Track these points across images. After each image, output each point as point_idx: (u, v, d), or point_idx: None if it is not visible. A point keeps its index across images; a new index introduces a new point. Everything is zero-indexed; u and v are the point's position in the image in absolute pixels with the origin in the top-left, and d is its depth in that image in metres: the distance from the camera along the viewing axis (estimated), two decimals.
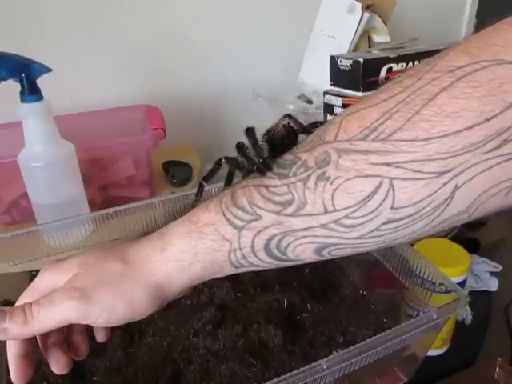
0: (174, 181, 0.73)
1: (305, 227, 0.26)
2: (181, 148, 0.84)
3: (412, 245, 0.48)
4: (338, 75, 0.71)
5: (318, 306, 0.50)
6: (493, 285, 0.64)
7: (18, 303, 0.30)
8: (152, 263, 0.29)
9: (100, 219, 0.52)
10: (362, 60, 0.66)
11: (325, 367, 0.32)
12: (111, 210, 0.52)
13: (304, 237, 0.26)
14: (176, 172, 0.75)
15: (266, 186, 0.27)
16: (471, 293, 0.61)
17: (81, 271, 0.29)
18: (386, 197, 0.23)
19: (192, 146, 0.85)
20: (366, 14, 0.77)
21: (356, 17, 0.77)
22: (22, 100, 0.53)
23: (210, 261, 0.28)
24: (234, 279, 0.52)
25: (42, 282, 0.30)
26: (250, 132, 0.30)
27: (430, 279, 0.43)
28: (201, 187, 0.33)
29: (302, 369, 0.32)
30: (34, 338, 0.30)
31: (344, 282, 0.54)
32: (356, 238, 0.25)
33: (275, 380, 0.31)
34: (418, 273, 0.44)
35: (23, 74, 0.52)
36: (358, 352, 0.34)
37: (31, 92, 0.53)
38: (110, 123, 0.74)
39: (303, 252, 0.27)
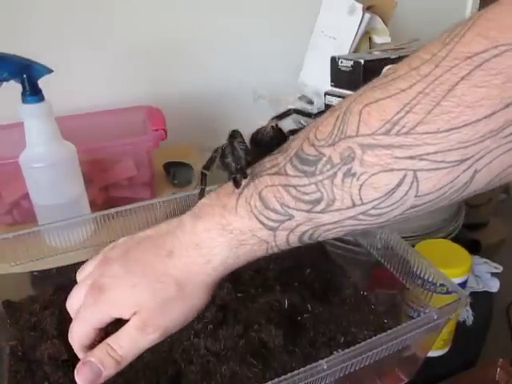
0: (175, 181, 0.73)
1: (334, 221, 0.27)
2: (182, 149, 0.84)
3: (413, 245, 0.48)
4: (339, 76, 0.71)
5: (318, 307, 0.50)
6: (494, 286, 0.64)
7: (73, 333, 0.32)
8: (202, 275, 0.31)
9: (101, 220, 0.52)
10: (362, 61, 0.66)
11: (325, 367, 0.32)
12: (112, 210, 0.52)
13: (334, 228, 0.28)
14: (177, 173, 0.75)
15: (295, 186, 0.27)
16: (472, 294, 0.61)
17: (139, 308, 0.30)
18: (411, 188, 0.24)
19: (193, 147, 0.85)
20: (367, 15, 0.77)
21: (357, 18, 0.77)
22: (24, 101, 0.53)
23: (250, 257, 0.31)
24: (234, 280, 0.52)
25: (94, 317, 0.32)
26: (231, 137, 0.31)
27: (430, 280, 0.43)
28: (203, 176, 0.33)
29: (302, 369, 0.32)
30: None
31: (345, 283, 0.54)
32: (381, 222, 0.27)
33: (276, 380, 0.31)
34: (418, 273, 0.44)
35: (25, 75, 0.52)
36: (358, 352, 0.34)
37: (32, 93, 0.53)
38: (112, 124, 0.75)
39: (332, 236, 0.29)
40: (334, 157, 0.26)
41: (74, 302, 0.33)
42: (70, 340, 0.33)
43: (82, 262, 0.36)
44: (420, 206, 0.25)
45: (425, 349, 0.45)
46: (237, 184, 0.29)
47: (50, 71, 0.53)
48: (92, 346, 0.32)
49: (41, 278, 0.54)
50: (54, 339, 0.45)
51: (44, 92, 0.54)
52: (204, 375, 0.42)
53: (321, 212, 0.27)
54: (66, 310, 0.35)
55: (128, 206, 0.52)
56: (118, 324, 0.32)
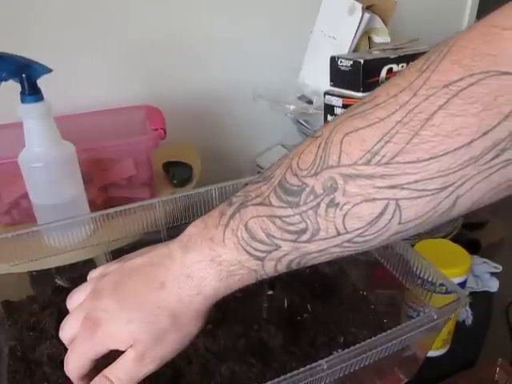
0: (175, 181, 0.73)
1: (320, 249, 0.28)
2: (181, 148, 0.84)
3: (412, 245, 0.48)
4: (339, 76, 0.71)
5: (318, 307, 0.50)
6: (493, 285, 0.64)
7: (70, 365, 0.32)
8: (194, 304, 0.31)
9: (100, 220, 0.52)
10: (362, 60, 0.66)
11: (325, 367, 0.32)
12: (111, 210, 0.52)
13: (320, 256, 0.28)
14: (176, 172, 0.75)
15: (280, 217, 0.28)
16: (472, 293, 0.61)
17: (135, 341, 0.31)
18: (393, 216, 0.25)
19: (192, 147, 0.85)
20: (367, 15, 0.77)
21: (356, 17, 0.77)
22: (23, 100, 0.53)
23: (240, 285, 0.31)
24: None
25: (91, 350, 0.32)
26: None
27: (430, 280, 0.43)
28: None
29: (302, 369, 0.32)
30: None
31: (344, 283, 0.54)
32: (368, 247, 0.27)
33: (275, 380, 0.31)
34: (418, 273, 0.44)
35: (24, 75, 0.52)
36: (358, 352, 0.34)
37: (32, 92, 0.53)
38: (111, 124, 0.74)
39: (321, 262, 0.30)
40: (317, 187, 0.26)
41: (68, 332, 0.33)
42: (66, 371, 0.33)
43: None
44: (404, 231, 0.26)
45: (424, 349, 0.45)
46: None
47: (49, 71, 0.53)
48: (88, 373, 0.33)
49: (40, 277, 0.54)
50: (53, 339, 0.45)
51: (43, 91, 0.54)
52: (203, 375, 0.42)
53: (306, 242, 0.27)
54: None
55: (127, 206, 0.52)
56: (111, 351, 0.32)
